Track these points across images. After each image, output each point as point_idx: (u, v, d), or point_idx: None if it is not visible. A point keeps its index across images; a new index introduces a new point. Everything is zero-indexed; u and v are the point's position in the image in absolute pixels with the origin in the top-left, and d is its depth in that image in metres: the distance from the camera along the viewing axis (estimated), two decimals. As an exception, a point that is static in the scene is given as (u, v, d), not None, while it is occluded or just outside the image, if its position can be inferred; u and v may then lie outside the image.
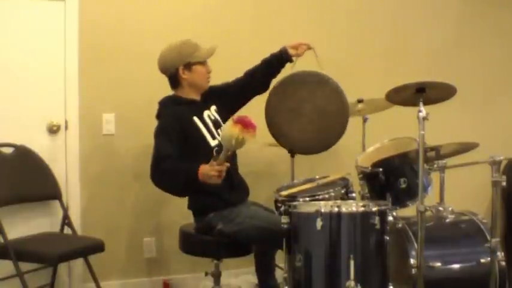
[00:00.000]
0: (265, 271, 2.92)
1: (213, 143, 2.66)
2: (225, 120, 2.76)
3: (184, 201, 2.75)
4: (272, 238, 2.45)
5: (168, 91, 2.78)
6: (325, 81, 2.68)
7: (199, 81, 2.72)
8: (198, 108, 2.72)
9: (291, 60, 2.82)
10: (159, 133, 2.61)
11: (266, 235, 2.52)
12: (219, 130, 2.70)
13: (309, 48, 2.80)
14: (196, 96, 2.76)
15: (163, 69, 2.71)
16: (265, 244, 2.73)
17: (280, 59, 2.81)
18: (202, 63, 2.70)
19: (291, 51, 2.80)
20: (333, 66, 3.61)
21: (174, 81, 2.72)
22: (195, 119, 2.67)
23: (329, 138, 2.72)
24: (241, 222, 2.57)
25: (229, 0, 3.65)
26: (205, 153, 2.61)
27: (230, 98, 2.85)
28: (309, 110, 2.71)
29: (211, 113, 2.76)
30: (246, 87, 2.85)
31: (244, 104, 2.90)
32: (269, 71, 2.84)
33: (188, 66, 2.67)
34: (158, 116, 2.73)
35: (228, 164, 2.37)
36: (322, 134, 2.72)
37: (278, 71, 2.85)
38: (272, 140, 3.36)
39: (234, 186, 2.69)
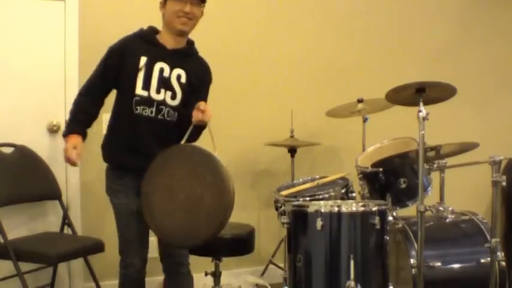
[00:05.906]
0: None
1: (140, 91, 2.36)
2: (183, 91, 2.41)
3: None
4: None
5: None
6: (212, 166, 2.15)
7: (168, 19, 2.39)
8: (157, 54, 2.40)
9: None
10: (102, 59, 2.51)
11: None
12: (161, 88, 2.38)
13: (204, 123, 2.31)
14: (171, 46, 2.43)
15: None
16: None
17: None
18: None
19: (194, 112, 2.32)
20: (333, 67, 3.65)
21: None
22: (142, 58, 2.37)
23: (195, 234, 2.18)
24: None
25: (231, 2, 3.65)
26: (127, 96, 2.40)
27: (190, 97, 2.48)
28: (184, 195, 2.18)
29: (169, 69, 2.40)
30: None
31: None
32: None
33: (164, 1, 2.40)
34: None
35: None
36: (189, 226, 2.19)
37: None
38: (272, 140, 3.38)
39: None
